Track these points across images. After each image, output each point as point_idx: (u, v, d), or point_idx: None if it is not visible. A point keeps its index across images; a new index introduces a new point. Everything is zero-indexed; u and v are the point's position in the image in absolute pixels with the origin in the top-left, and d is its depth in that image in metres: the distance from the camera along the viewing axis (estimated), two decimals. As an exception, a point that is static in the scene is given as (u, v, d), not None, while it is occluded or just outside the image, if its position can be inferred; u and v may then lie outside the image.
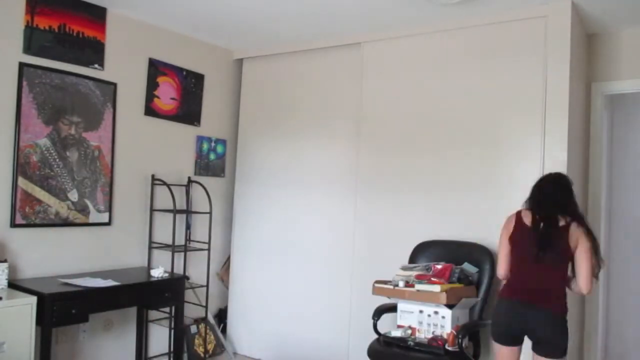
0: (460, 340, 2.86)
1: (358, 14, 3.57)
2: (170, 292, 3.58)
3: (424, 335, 3.07)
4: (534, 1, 3.23)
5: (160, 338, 4.03)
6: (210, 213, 4.15)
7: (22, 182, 3.24)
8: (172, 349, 3.83)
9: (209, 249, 4.13)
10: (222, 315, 4.63)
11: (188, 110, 4.33)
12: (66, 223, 3.47)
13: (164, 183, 3.94)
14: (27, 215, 3.27)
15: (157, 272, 3.60)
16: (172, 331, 3.82)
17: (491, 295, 3.20)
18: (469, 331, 2.98)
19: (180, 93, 4.26)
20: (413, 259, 3.47)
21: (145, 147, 4.00)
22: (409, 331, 3.11)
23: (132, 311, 3.86)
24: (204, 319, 4.22)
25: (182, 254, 4.04)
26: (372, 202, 3.87)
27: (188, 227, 4.26)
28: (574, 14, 3.26)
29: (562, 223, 2.59)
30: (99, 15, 3.65)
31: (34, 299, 2.84)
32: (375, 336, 3.20)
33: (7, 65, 3.18)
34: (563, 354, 2.55)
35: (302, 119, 4.31)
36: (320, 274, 4.10)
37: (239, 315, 4.52)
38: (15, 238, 3.22)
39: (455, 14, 3.47)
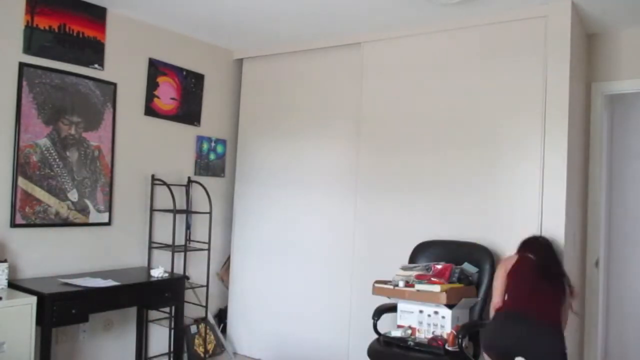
0: (460, 340, 2.86)
1: (358, 14, 3.57)
2: (170, 292, 3.58)
3: (424, 335, 3.07)
4: (534, 1, 3.23)
5: (160, 338, 4.04)
6: (210, 213, 4.15)
7: (22, 182, 3.24)
8: (172, 349, 3.83)
9: (209, 249, 4.13)
10: (222, 315, 4.63)
11: (188, 110, 4.33)
12: (66, 223, 3.48)
13: (164, 183, 3.94)
14: (27, 215, 3.27)
15: (157, 272, 3.60)
16: (172, 331, 3.82)
17: (491, 296, 3.20)
18: (469, 331, 2.98)
19: (180, 93, 4.26)
20: (413, 259, 3.47)
21: (145, 147, 4.00)
22: (409, 331, 3.11)
23: (132, 311, 3.86)
24: (204, 319, 4.22)
25: (182, 254, 4.04)
26: (372, 202, 3.87)
27: (188, 227, 4.26)
28: (574, 14, 3.26)
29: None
30: (99, 15, 3.65)
31: (34, 299, 2.84)
32: (375, 336, 3.20)
33: (7, 65, 3.18)
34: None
35: (302, 119, 4.31)
36: (320, 274, 4.10)
37: (239, 315, 4.52)
38: (15, 238, 3.22)
39: (455, 14, 3.47)
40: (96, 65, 3.64)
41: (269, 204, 4.43)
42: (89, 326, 3.57)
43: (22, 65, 3.23)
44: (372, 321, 3.25)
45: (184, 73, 4.28)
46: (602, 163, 3.89)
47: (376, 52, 3.95)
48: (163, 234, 4.06)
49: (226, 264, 4.68)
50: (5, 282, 2.98)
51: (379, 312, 3.28)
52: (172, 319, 3.80)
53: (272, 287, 4.36)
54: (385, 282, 3.18)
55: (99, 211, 3.67)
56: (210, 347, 4.23)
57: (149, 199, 3.99)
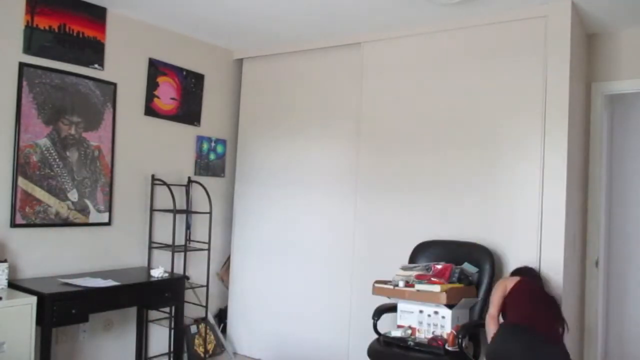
0: (460, 340, 2.86)
1: (358, 14, 3.57)
2: (170, 292, 3.58)
3: (424, 335, 3.07)
4: (534, 1, 3.23)
5: (160, 338, 4.04)
6: (210, 213, 4.15)
7: (22, 182, 3.24)
8: (172, 349, 3.84)
9: (209, 249, 4.13)
10: (222, 315, 4.63)
11: (188, 110, 4.33)
12: (66, 223, 3.48)
13: (164, 183, 3.94)
14: (27, 215, 3.27)
15: (157, 272, 3.60)
16: (172, 331, 3.82)
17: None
18: (469, 331, 2.98)
19: (180, 93, 4.26)
20: (413, 259, 3.47)
21: (145, 147, 4.00)
22: (409, 331, 3.11)
23: (132, 311, 3.86)
24: (204, 319, 4.22)
25: (182, 254, 4.04)
26: (372, 202, 3.87)
27: (188, 227, 4.26)
28: (574, 14, 3.26)
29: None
30: (99, 15, 3.65)
31: (34, 299, 2.84)
32: (375, 336, 3.20)
33: (7, 65, 3.18)
34: None
35: (302, 119, 4.31)
36: (320, 274, 4.10)
37: (239, 315, 4.52)
38: (15, 238, 3.22)
39: (455, 14, 3.47)
40: (96, 65, 3.64)
41: (269, 204, 4.43)
42: (89, 326, 3.57)
43: (22, 65, 3.23)
44: (372, 321, 3.25)
45: (184, 73, 4.28)
46: (602, 163, 3.89)
47: (376, 52, 3.95)
48: (163, 234, 4.06)
49: (226, 264, 4.68)
50: (5, 282, 2.98)
51: (379, 312, 3.28)
52: (172, 319, 3.80)
53: (272, 287, 4.35)
54: (385, 282, 3.18)
55: (99, 211, 3.67)
56: (210, 347, 4.23)
57: (149, 199, 3.99)
